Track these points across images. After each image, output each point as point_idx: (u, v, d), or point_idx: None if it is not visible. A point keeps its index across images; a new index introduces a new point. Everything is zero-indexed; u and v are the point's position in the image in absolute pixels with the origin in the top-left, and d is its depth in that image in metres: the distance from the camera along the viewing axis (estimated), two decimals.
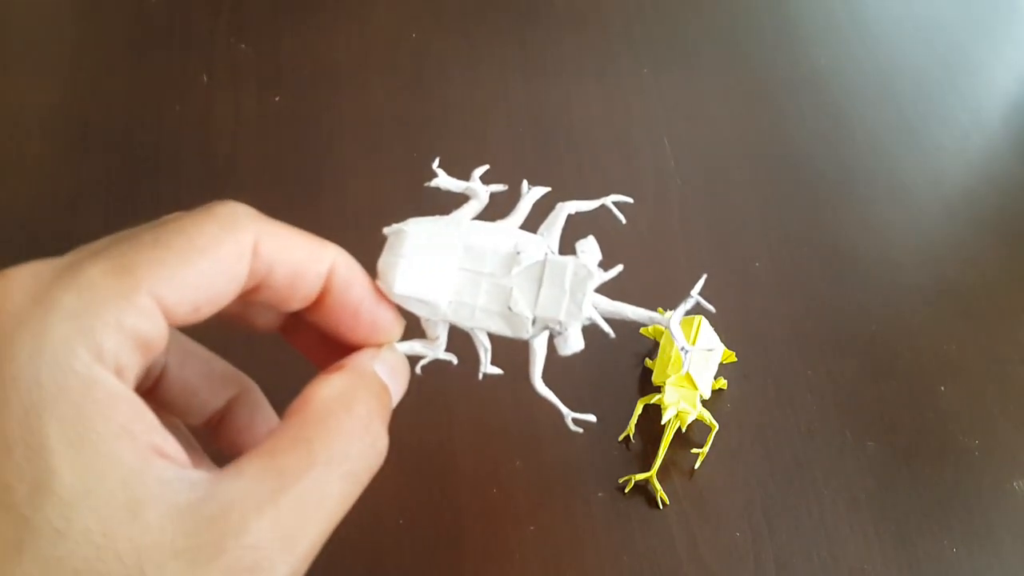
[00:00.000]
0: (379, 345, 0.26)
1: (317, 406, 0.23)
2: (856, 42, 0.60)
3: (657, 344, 0.45)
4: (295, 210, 0.50)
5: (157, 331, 0.21)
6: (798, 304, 0.48)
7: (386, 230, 0.27)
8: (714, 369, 0.43)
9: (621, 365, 0.45)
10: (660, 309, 0.45)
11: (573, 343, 0.26)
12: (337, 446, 0.23)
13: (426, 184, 0.28)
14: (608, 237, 0.48)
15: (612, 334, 0.26)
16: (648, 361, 0.45)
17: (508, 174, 0.52)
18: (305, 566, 0.21)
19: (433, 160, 0.29)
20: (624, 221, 0.28)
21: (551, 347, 0.27)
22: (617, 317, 0.27)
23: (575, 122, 0.55)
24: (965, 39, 0.61)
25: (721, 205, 0.52)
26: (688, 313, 0.27)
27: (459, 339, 0.27)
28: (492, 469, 0.42)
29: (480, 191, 0.28)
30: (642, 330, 0.45)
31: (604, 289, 0.27)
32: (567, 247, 0.27)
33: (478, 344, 0.27)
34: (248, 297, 0.24)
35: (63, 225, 0.50)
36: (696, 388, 0.42)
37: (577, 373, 0.44)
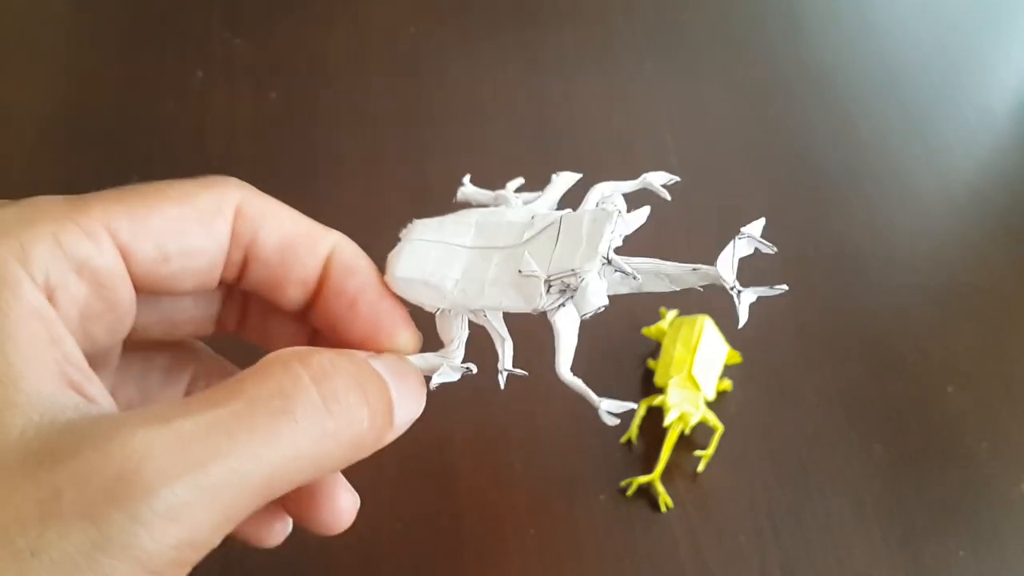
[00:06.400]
0: (381, 351, 0.23)
1: (268, 359, 0.20)
2: (862, 39, 0.59)
3: (659, 345, 0.44)
4: (291, 206, 0.49)
5: (108, 264, 0.20)
6: (803, 305, 0.47)
7: (402, 232, 0.25)
8: (719, 370, 0.43)
9: (623, 366, 0.44)
10: (663, 310, 0.45)
11: (592, 297, 0.22)
12: (273, 385, 0.19)
13: (454, 201, 0.26)
14: None
15: (638, 277, 0.22)
16: (651, 362, 0.44)
17: (507, 171, 0.51)
18: (210, 501, 0.17)
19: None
20: (669, 199, 0.25)
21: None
22: (651, 270, 0.23)
23: (575, 118, 0.54)
24: (973, 37, 0.60)
25: (724, 204, 0.51)
26: (743, 256, 0.22)
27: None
28: (492, 472, 0.41)
29: (511, 199, 0.25)
30: (644, 330, 0.45)
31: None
32: None
33: (494, 335, 0.23)
34: (241, 280, 0.23)
35: None
36: (699, 389, 0.41)
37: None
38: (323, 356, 0.20)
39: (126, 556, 0.16)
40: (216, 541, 0.18)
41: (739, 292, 0.22)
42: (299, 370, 0.20)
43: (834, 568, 0.39)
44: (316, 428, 0.19)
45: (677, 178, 0.24)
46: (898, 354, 0.46)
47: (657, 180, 0.24)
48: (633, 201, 0.25)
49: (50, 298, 0.19)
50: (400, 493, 0.41)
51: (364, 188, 0.51)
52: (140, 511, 0.16)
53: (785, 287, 0.22)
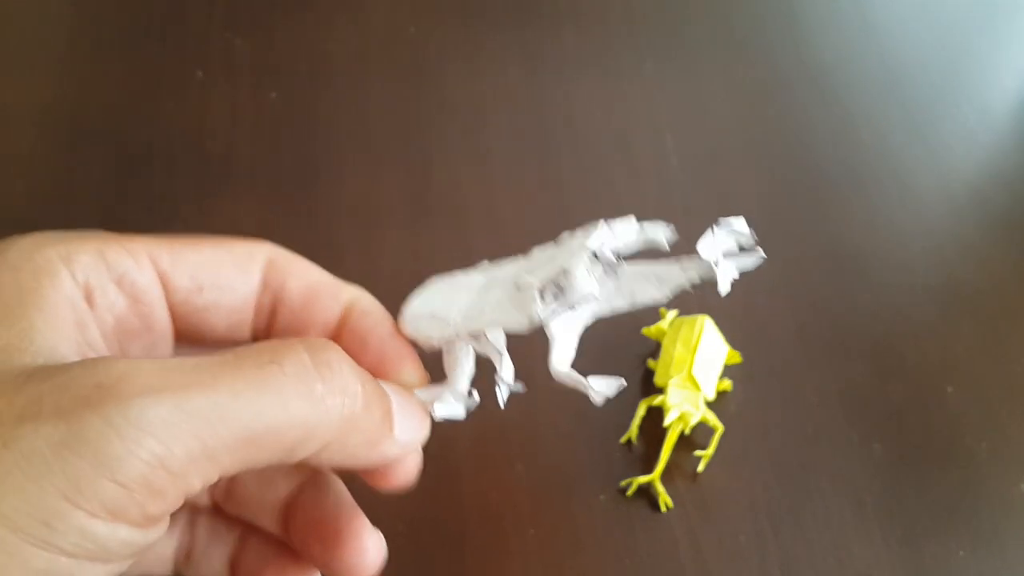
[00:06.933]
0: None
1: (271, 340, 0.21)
2: (862, 39, 0.59)
3: (659, 345, 0.44)
4: (291, 207, 0.49)
5: (146, 281, 0.21)
6: (803, 305, 0.47)
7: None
8: (719, 370, 0.43)
9: (623, 366, 0.44)
10: (663, 310, 0.45)
11: (580, 284, 0.23)
12: (265, 348, 0.20)
13: None
14: None
15: (623, 259, 0.24)
16: (650, 362, 0.44)
17: (507, 171, 0.51)
18: (188, 425, 0.17)
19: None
20: (668, 249, 0.25)
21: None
22: (638, 270, 0.24)
23: (575, 118, 0.54)
24: (973, 37, 0.60)
25: (724, 203, 0.51)
26: (724, 248, 0.24)
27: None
28: (493, 473, 0.41)
29: None
30: (644, 330, 0.44)
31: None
32: None
33: (492, 354, 0.24)
34: (271, 331, 0.24)
35: (57, 223, 0.48)
36: (699, 389, 0.41)
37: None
38: (321, 338, 0.21)
39: (95, 459, 0.16)
40: (194, 481, 0.18)
41: (717, 263, 0.23)
42: (293, 340, 0.20)
43: (834, 568, 0.39)
44: (304, 385, 0.19)
45: (671, 231, 0.25)
46: (898, 354, 0.46)
47: (657, 233, 0.25)
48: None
49: (87, 298, 0.21)
50: (402, 495, 0.41)
51: (364, 188, 0.51)
52: (113, 416, 0.17)
53: (762, 253, 0.24)
